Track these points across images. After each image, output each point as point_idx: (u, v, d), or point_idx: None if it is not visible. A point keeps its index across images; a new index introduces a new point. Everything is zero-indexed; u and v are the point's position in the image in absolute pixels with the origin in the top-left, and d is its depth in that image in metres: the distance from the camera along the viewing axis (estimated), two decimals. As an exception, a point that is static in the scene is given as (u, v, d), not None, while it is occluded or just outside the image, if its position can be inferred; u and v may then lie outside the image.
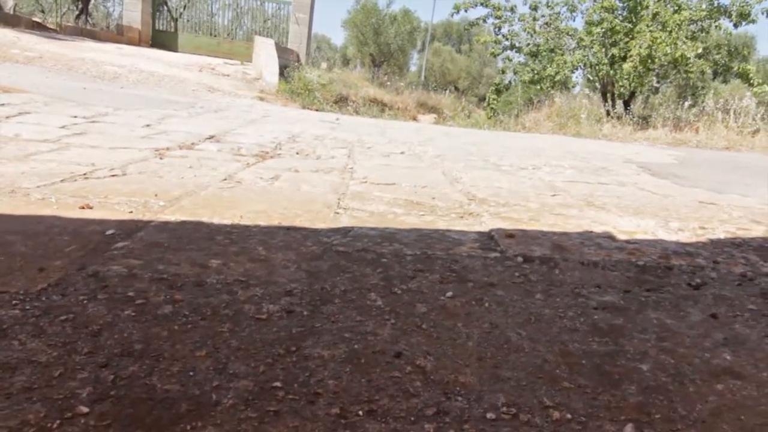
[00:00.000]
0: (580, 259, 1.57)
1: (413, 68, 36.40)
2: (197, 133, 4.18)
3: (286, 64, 14.23)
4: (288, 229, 1.70)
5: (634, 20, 11.58)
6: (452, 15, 13.28)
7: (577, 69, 12.71)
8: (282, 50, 15.01)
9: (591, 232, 1.87)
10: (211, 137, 4.10)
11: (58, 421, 0.72)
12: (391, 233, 1.71)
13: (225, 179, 2.46)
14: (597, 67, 11.99)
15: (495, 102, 14.14)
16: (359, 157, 3.86)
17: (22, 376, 0.81)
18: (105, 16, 21.86)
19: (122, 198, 1.91)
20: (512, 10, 12.93)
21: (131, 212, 1.75)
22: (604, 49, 12.01)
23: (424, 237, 1.69)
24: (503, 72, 14.79)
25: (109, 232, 1.52)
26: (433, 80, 30.33)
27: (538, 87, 13.89)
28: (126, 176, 2.33)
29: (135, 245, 1.42)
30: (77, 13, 17.54)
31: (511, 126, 12.58)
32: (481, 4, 12.74)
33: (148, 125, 4.29)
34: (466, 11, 12.86)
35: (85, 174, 2.28)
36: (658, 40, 10.98)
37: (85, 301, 1.08)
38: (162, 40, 17.23)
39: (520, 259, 1.52)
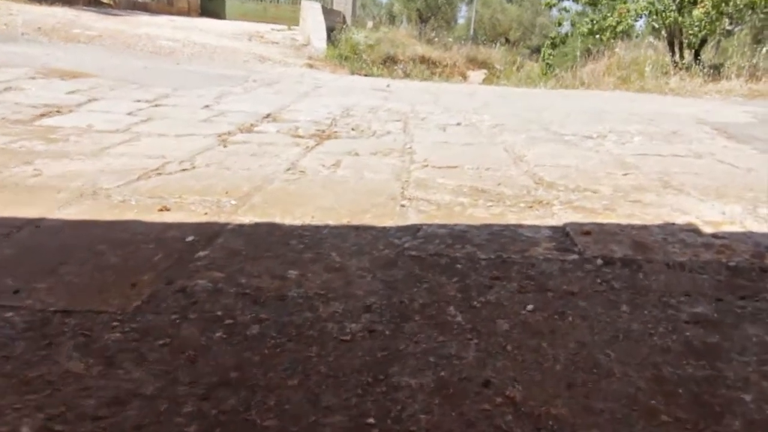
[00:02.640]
0: (665, 259, 1.49)
1: (461, 21, 35.03)
2: (254, 111, 4.23)
3: (333, 26, 14.05)
4: (357, 228, 1.70)
5: (707, -41, 10.56)
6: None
7: (641, 17, 11.86)
8: (327, 12, 14.79)
9: (673, 224, 1.77)
10: (268, 116, 4.14)
11: (173, 463, 0.76)
12: (461, 232, 1.68)
13: (288, 168, 2.48)
14: (663, 14, 11.10)
15: (551, 57, 13.48)
16: (415, 131, 3.80)
17: (132, 411, 0.86)
18: (155, -14, 22.15)
19: (195, 197, 1.97)
20: (570, -44, 12.10)
21: (206, 213, 1.81)
22: (671, -6, 11.09)
23: (496, 236, 1.65)
24: (559, 24, 14.03)
25: (189, 238, 1.58)
26: (482, 33, 29.17)
27: (598, 38, 13.10)
28: (195, 170, 2.39)
29: (215, 254, 1.46)
30: (129, -15, 17.83)
31: (569, 82, 11.99)
32: (536, -49, 11.98)
33: (207, 106, 4.38)
34: (519, -40, 12.13)
35: (157, 169, 2.36)
36: (735, -19, 10.04)
37: (178, 321, 1.13)
38: (210, 8, 17.36)
39: (599, 261, 1.47)
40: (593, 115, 5.28)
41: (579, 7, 13.63)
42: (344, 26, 14.68)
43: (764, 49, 11.50)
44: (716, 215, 1.92)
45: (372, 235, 1.64)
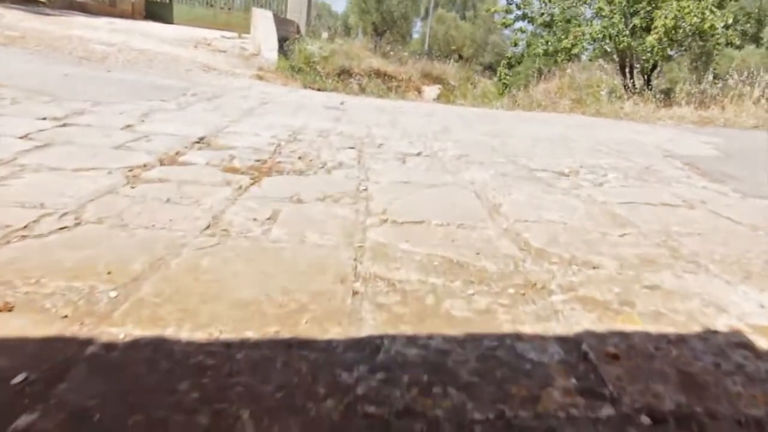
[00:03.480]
0: (733, 412, 1.04)
1: (416, 35, 35.33)
2: (185, 134, 3.63)
3: (286, 36, 13.49)
4: (289, 346, 1.16)
5: (658, -13, 10.72)
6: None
7: (595, 41, 11.94)
8: (281, 21, 14.23)
9: (716, 333, 1.33)
10: (201, 140, 3.55)
11: None
12: (439, 353, 1.17)
13: (207, 226, 1.91)
14: (617, 39, 11.19)
15: (507, 77, 13.42)
16: (371, 164, 3.31)
17: None
18: (96, -15, 20.83)
19: (60, 283, 1.37)
20: (526, -24, 12.10)
21: (66, 317, 1.22)
22: (624, 19, 11.21)
23: (490, 361, 1.15)
24: (515, 44, 14.01)
25: (19, 378, 0.99)
26: (436, 48, 29.34)
27: (552, 59, 13.17)
28: (78, 228, 1.79)
29: (45, 424, 0.89)
30: (66, -17, 16.62)
31: (525, 102, 11.90)
32: (494, -30, 11.92)
33: (128, 126, 3.74)
34: (477, -22, 12.03)
35: (26, 228, 1.74)
36: (686, 10, 10.20)
37: None
38: (156, 11, 16.49)
39: (646, 419, 0.99)
40: (559, 144, 4.97)
41: (533, 28, 13.64)
42: (298, 37, 14.14)
43: (710, 77, 11.77)
44: (756, 311, 1.50)
45: (309, 362, 1.11)
